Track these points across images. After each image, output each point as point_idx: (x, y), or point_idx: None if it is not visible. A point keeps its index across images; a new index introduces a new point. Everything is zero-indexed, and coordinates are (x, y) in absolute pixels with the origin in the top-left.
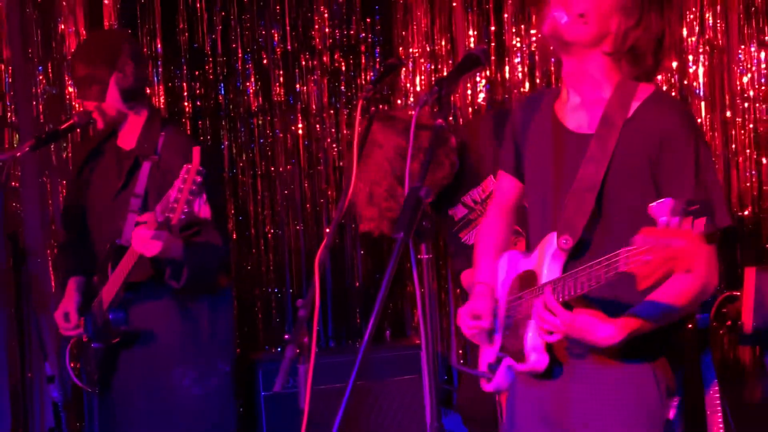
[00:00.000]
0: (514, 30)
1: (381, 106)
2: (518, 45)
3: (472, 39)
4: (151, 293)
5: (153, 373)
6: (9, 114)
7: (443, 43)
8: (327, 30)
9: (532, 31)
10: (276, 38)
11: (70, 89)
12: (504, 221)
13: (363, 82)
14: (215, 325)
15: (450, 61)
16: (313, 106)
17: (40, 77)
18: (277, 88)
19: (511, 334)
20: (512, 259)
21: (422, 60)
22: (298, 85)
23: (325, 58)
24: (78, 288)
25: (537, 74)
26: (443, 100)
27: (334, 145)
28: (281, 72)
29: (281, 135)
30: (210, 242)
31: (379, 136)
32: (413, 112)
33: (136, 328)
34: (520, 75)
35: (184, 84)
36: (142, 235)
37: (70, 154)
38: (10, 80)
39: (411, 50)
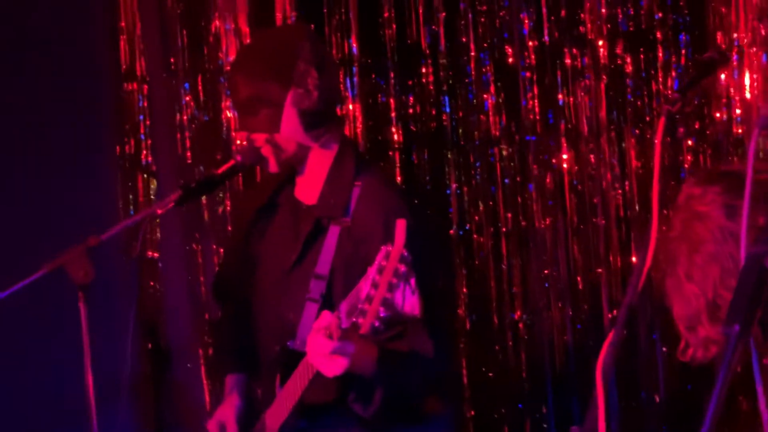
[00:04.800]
0: None
1: (689, 126)
2: None
3: None
4: (333, 421)
5: None
6: (144, 152)
7: None
8: (603, 11)
9: None
10: (526, 26)
11: (229, 114)
12: None
13: (661, 87)
14: None
15: None
16: (584, 126)
17: (187, 98)
18: (529, 101)
19: None
20: None
21: (754, 50)
22: (560, 96)
23: (601, 53)
24: (240, 390)
25: None
26: None
27: (617, 186)
28: (533, 76)
29: (536, 172)
30: (416, 351)
31: (713, 210)
32: (751, 141)
33: None
34: None
35: (391, 100)
36: (321, 348)
37: (228, 209)
38: (145, 104)
39: (735, 35)
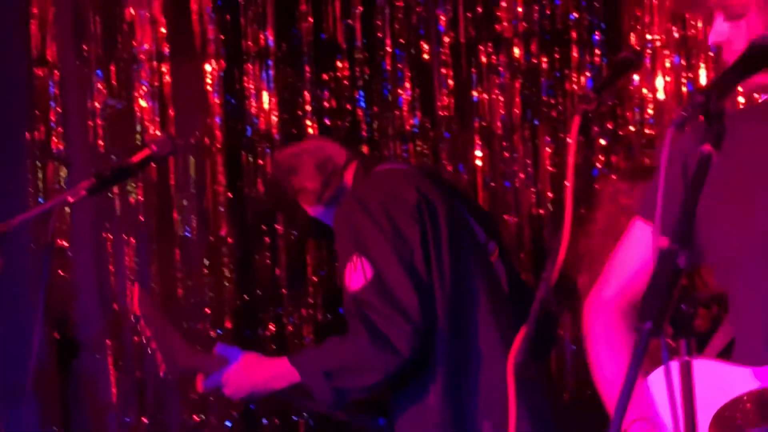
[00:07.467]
0: None
1: (602, 126)
2: None
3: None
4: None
5: None
6: (55, 139)
7: (700, 24)
8: (519, 9)
9: None
10: (443, 23)
11: (143, 103)
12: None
13: (575, 86)
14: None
15: (711, 53)
16: (498, 124)
17: (100, 86)
18: (444, 98)
19: None
20: (713, 375)
21: (667, 51)
22: (475, 93)
23: (516, 52)
24: None
25: None
26: (712, 116)
27: (532, 188)
28: (449, 72)
29: (450, 168)
30: (343, 337)
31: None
32: (666, 135)
33: None
34: None
35: (305, 93)
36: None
37: (141, 198)
38: (57, 91)
39: (649, 37)
